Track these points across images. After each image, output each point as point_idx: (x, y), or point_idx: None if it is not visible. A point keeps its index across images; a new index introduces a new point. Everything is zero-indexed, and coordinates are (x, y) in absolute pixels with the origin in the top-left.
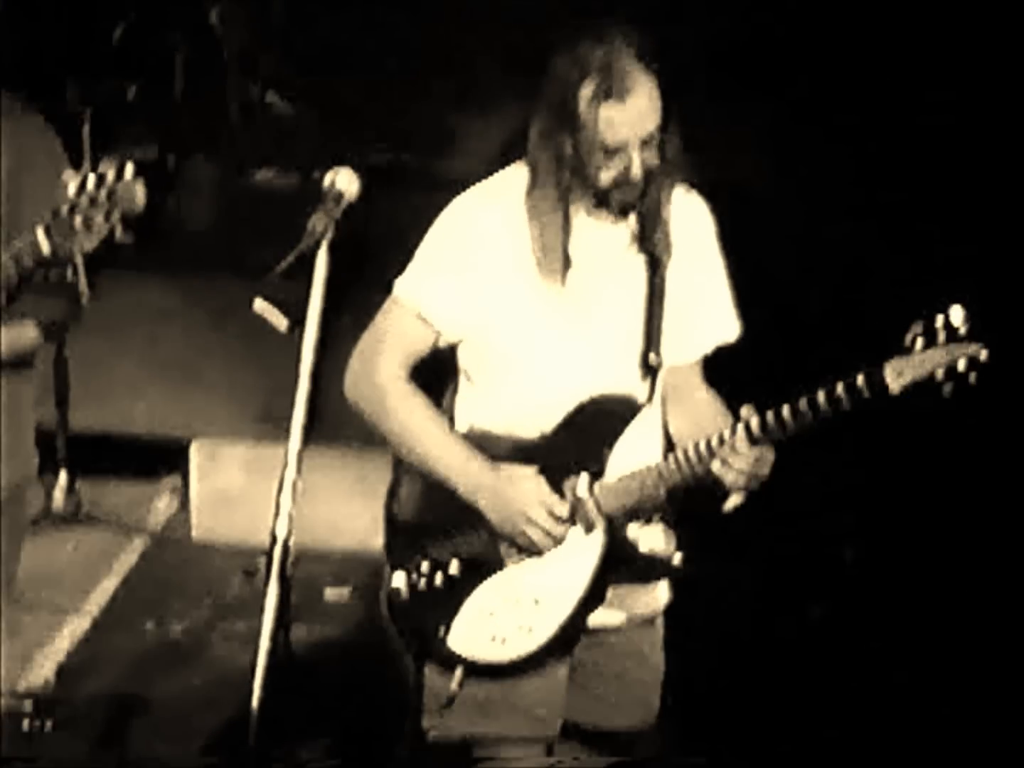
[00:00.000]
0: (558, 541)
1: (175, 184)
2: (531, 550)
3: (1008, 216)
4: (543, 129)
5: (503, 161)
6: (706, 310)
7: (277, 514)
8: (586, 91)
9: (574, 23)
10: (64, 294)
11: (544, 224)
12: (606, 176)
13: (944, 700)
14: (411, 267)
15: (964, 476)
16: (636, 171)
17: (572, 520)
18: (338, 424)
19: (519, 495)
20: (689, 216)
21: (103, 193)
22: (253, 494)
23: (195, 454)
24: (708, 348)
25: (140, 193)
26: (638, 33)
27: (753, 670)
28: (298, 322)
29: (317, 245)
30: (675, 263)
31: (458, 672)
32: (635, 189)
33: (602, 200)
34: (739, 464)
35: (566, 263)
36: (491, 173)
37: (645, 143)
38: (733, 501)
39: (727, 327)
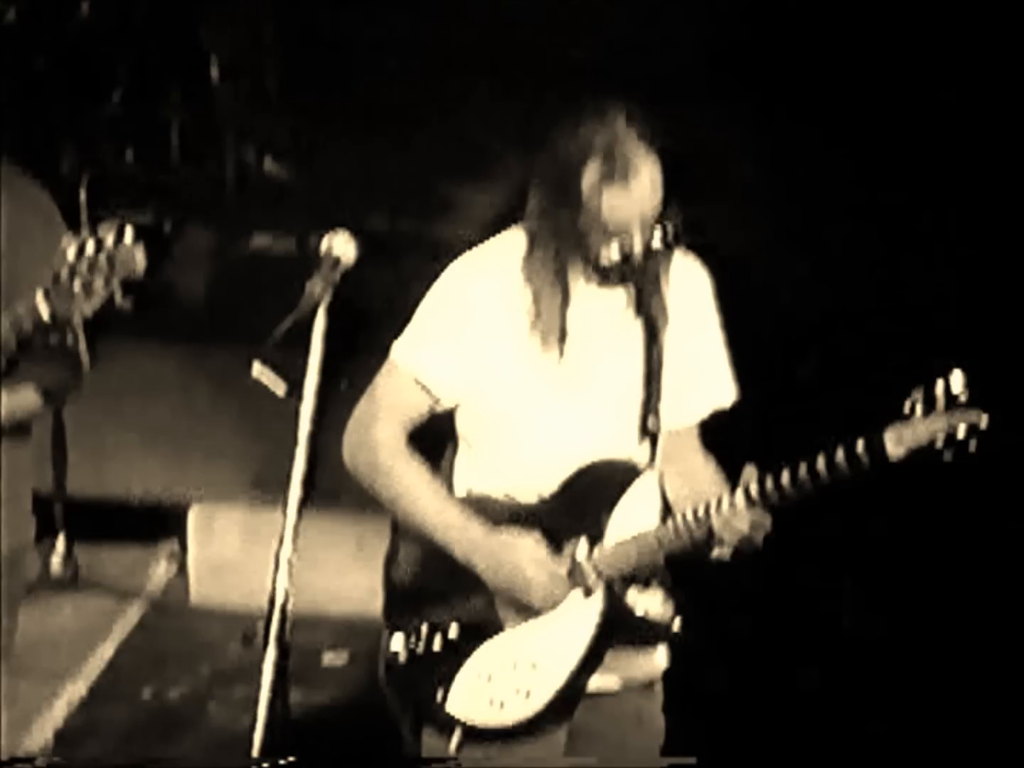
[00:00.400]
0: (556, 601)
1: (171, 249)
2: (529, 610)
3: (1007, 282)
4: (544, 205)
5: (498, 228)
6: (703, 374)
7: (275, 579)
8: (590, 173)
9: (573, 97)
10: (64, 360)
11: (541, 294)
12: (607, 253)
13: (942, 764)
14: (408, 332)
15: (962, 541)
16: (638, 249)
17: (571, 581)
18: (336, 489)
19: (517, 556)
20: (687, 280)
21: (103, 258)
22: (251, 559)
23: (193, 520)
24: (705, 413)
25: (140, 257)
26: (640, 111)
27: (752, 735)
28: (296, 387)
29: (314, 310)
30: (672, 327)
31: (456, 736)
32: (637, 266)
33: (602, 273)
34: (737, 524)
35: (563, 334)
36: (486, 239)
37: (647, 222)
38: (719, 552)
39: (724, 391)
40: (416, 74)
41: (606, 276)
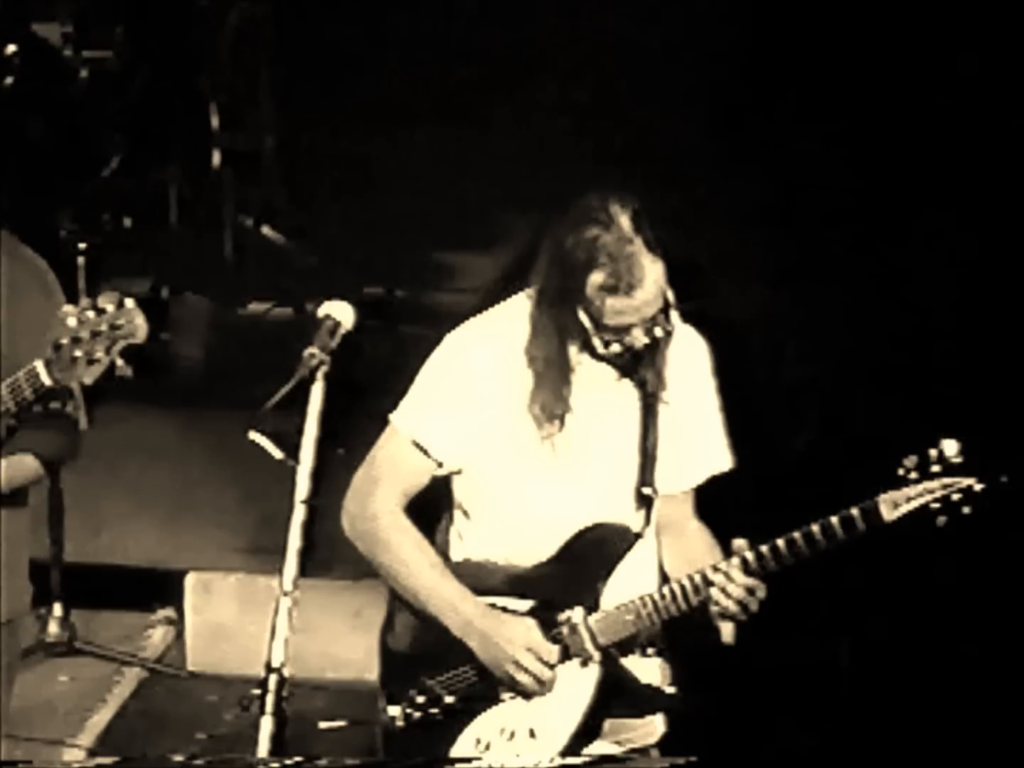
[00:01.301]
0: (547, 687)
1: (169, 316)
2: (519, 692)
3: (998, 347)
4: (547, 297)
5: (496, 295)
6: (699, 440)
7: (272, 646)
8: (594, 280)
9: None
10: (62, 427)
11: (543, 376)
12: (609, 349)
13: None
14: (408, 398)
15: (959, 597)
16: (639, 345)
17: (564, 660)
18: (333, 555)
19: (509, 640)
20: (685, 349)
21: (104, 325)
22: (248, 625)
23: (190, 586)
24: (701, 478)
25: (141, 324)
26: (644, 214)
27: None
28: (293, 452)
29: (312, 376)
30: (669, 394)
31: None
32: (636, 355)
33: (601, 359)
34: (732, 593)
35: (564, 412)
36: (484, 307)
37: (647, 322)
38: (728, 633)
39: (720, 457)
40: (415, 141)
41: (606, 362)
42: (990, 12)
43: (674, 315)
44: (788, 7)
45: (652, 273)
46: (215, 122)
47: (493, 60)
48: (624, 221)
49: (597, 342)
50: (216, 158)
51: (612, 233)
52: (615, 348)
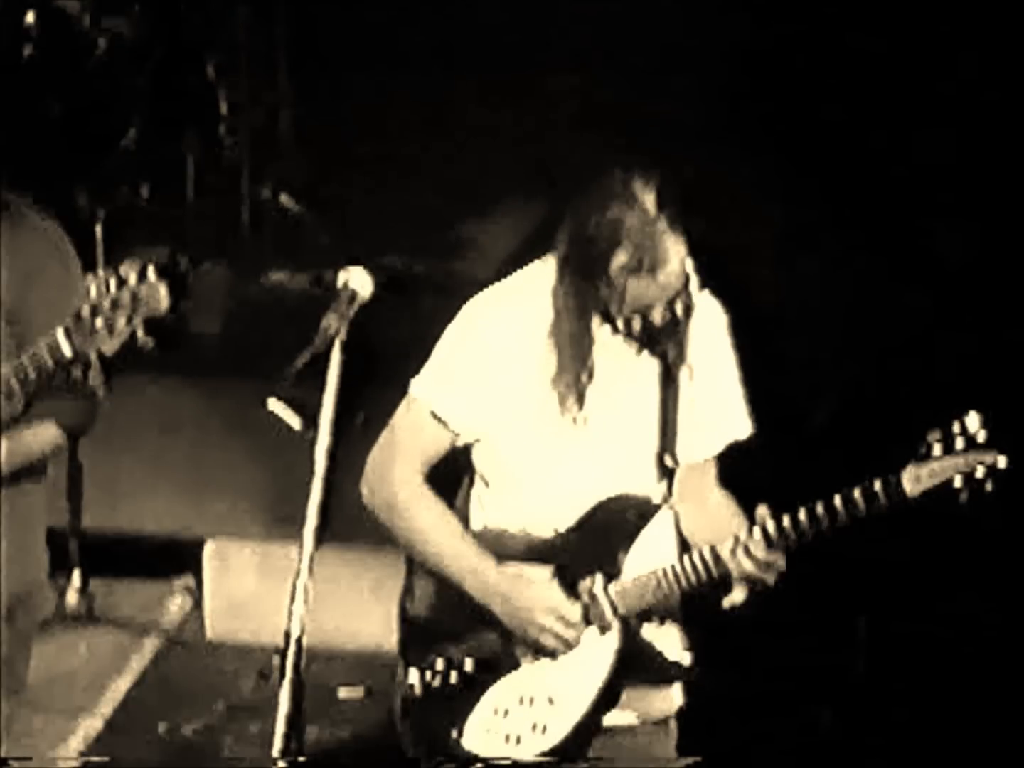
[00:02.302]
0: (570, 645)
1: (187, 287)
2: (543, 653)
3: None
4: (569, 274)
5: (515, 265)
6: (719, 408)
7: (291, 614)
8: (618, 260)
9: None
10: (80, 396)
11: (564, 349)
12: (630, 324)
13: None
14: (428, 367)
15: (976, 581)
16: (660, 322)
17: (586, 622)
18: (352, 524)
19: (531, 600)
20: (705, 317)
21: (125, 296)
22: (266, 595)
23: (209, 555)
24: (721, 446)
25: (164, 295)
26: (669, 189)
27: None
28: (311, 421)
29: (330, 345)
30: (689, 363)
31: None
32: (657, 332)
33: (623, 334)
34: (750, 566)
35: (586, 382)
36: (503, 276)
37: (671, 299)
38: (733, 599)
39: (740, 425)
40: (432, 113)
41: (627, 336)
42: None
43: (694, 286)
44: None
45: (676, 252)
46: (228, 93)
47: (509, 36)
48: (648, 199)
49: (619, 319)
50: (232, 128)
51: (635, 212)
52: (636, 325)
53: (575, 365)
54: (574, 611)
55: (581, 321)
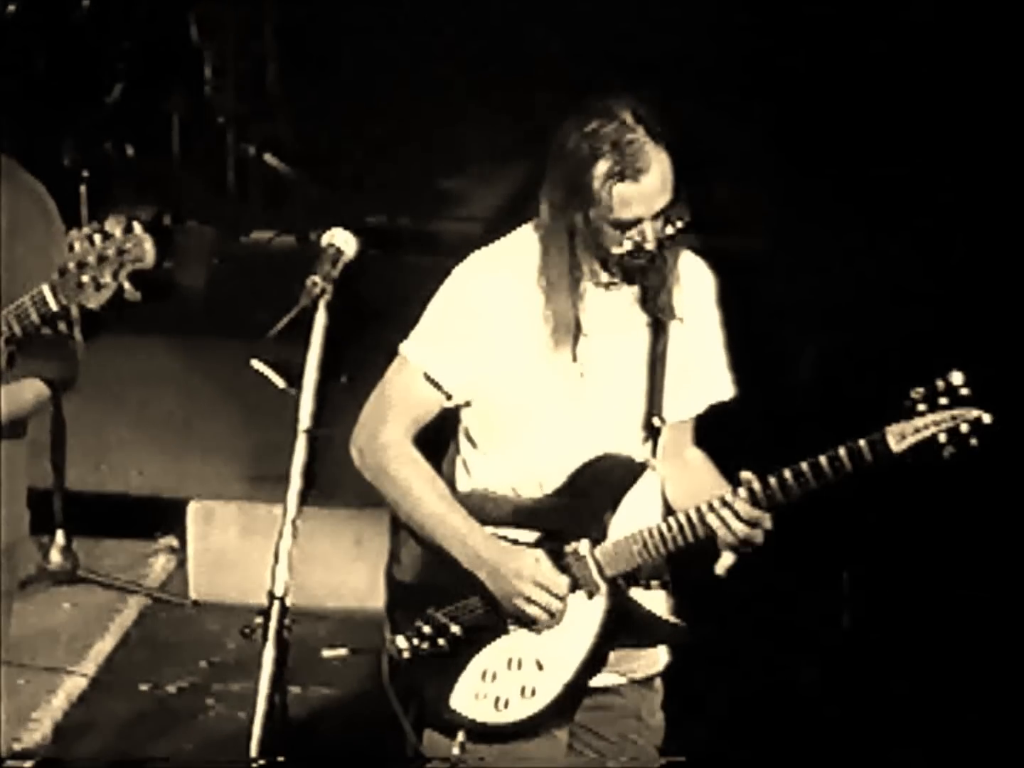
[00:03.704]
0: (557, 618)
1: (171, 245)
2: (527, 623)
3: (1009, 281)
4: (555, 203)
5: (501, 223)
6: (702, 369)
7: (274, 574)
8: (600, 170)
9: (577, 92)
10: (63, 352)
11: (556, 295)
12: (619, 249)
13: (943, 764)
14: (420, 329)
15: (963, 539)
16: (650, 244)
17: (573, 586)
18: (335, 484)
19: (519, 573)
20: (691, 279)
21: (111, 250)
22: (250, 554)
23: (192, 514)
24: (702, 407)
25: (150, 249)
26: (647, 106)
27: (752, 733)
28: (295, 380)
29: (315, 305)
30: (676, 325)
31: (460, 735)
32: (647, 259)
33: (612, 269)
34: (737, 526)
35: (577, 334)
36: (487, 236)
37: (657, 216)
38: (725, 562)
39: (722, 386)
40: (416, 69)
41: (616, 272)
42: None
43: (682, 204)
44: None
45: (658, 161)
46: (213, 51)
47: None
48: (626, 115)
49: (607, 243)
50: (217, 86)
51: (614, 123)
52: (627, 245)
53: (563, 299)
54: (561, 583)
55: (569, 256)
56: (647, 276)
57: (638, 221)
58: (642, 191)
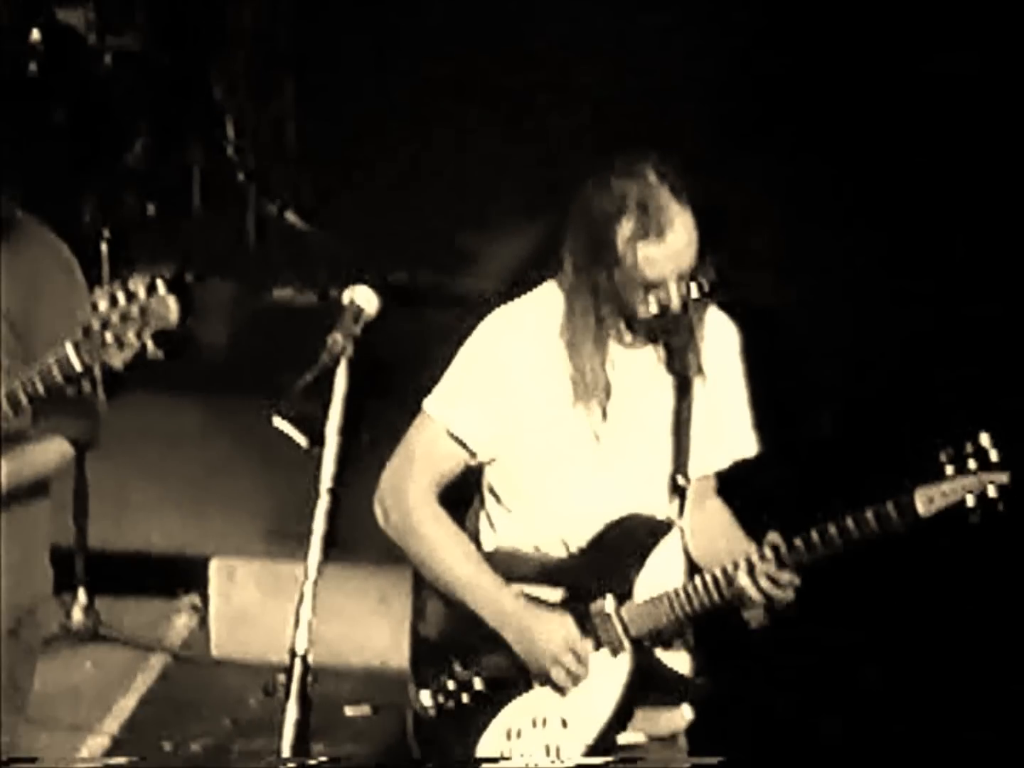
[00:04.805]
0: (579, 680)
1: (193, 302)
2: (552, 685)
3: None
4: (578, 262)
5: (522, 281)
6: (726, 426)
7: (296, 631)
8: (624, 229)
9: (600, 150)
10: (85, 410)
11: (580, 354)
12: (645, 309)
13: None
14: (443, 386)
15: (984, 596)
16: (675, 304)
17: (597, 644)
18: (357, 541)
19: (545, 635)
20: (717, 335)
21: (135, 309)
22: (271, 611)
23: (214, 572)
24: (726, 463)
25: (174, 308)
26: (670, 164)
27: None
28: (317, 438)
29: (336, 362)
30: (703, 377)
31: None
32: (672, 321)
33: (637, 329)
34: (767, 586)
35: (607, 392)
36: (508, 292)
37: (683, 276)
38: (758, 620)
39: (746, 443)
40: (436, 125)
41: (641, 333)
42: None
43: (707, 264)
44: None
45: (682, 220)
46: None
47: (512, 48)
48: (649, 173)
49: (631, 304)
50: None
51: (637, 182)
52: (652, 306)
53: (595, 368)
54: (587, 647)
55: (594, 315)
56: (672, 337)
57: (663, 280)
58: (667, 250)
